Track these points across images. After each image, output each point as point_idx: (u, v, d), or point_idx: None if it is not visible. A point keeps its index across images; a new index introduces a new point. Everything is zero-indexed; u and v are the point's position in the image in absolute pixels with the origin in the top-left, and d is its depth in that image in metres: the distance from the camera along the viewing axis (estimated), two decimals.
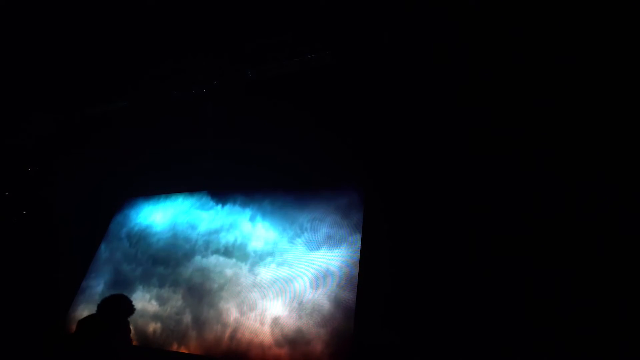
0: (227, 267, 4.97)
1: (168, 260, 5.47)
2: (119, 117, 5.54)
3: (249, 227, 5.32)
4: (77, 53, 4.61)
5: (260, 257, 4.88)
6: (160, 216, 6.14)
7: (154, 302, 5.18)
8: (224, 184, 5.98)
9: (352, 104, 4.62)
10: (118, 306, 2.55)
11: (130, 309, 2.60)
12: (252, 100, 4.93)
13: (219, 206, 5.82)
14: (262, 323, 4.47)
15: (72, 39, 4.42)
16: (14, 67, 4.87)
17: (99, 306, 2.57)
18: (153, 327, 4.93)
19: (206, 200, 6.00)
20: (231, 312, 4.61)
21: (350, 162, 4.92)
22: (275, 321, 4.43)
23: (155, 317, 5.02)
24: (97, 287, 5.90)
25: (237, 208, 5.53)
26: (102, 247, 6.36)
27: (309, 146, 5.02)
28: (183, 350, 4.59)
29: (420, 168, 4.43)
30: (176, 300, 5.03)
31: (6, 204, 6.34)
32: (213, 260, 5.13)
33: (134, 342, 4.85)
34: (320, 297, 4.35)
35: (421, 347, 3.60)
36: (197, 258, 5.28)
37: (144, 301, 5.25)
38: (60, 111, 5.61)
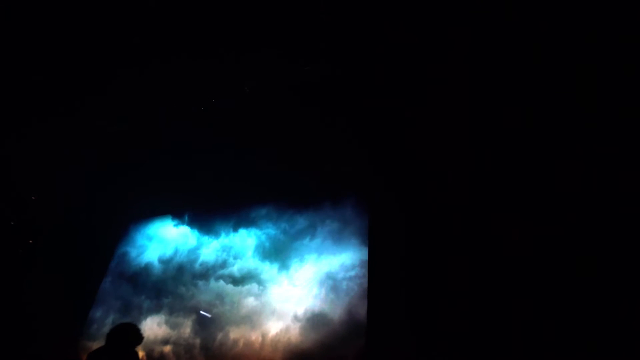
0: (235, 293, 5.22)
1: (175, 289, 5.71)
2: (117, 139, 5.57)
3: (253, 253, 5.52)
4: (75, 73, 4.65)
5: (266, 280, 5.13)
6: (163, 246, 6.37)
7: (164, 328, 5.42)
8: (226, 204, 6.02)
9: (348, 113, 4.61)
10: (126, 336, 2.51)
11: (138, 337, 2.56)
12: (249, 115, 4.94)
13: (224, 234, 5.99)
14: (267, 341, 4.67)
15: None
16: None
17: (108, 337, 2.53)
18: (165, 350, 5.18)
19: (208, 228, 6.18)
20: (239, 334, 4.87)
21: (353, 172, 4.93)
22: (282, 339, 4.42)
23: (166, 341, 5.27)
24: (107, 319, 5.90)
25: (242, 235, 5.77)
26: (108, 278, 6.39)
27: (310, 159, 5.04)
28: None
29: (423, 173, 4.41)
30: (186, 326, 5.28)
31: (11, 233, 6.30)
32: (220, 286, 5.36)
33: None
34: (330, 310, 4.34)
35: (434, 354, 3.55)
36: (204, 285, 5.51)
37: (154, 327, 5.48)
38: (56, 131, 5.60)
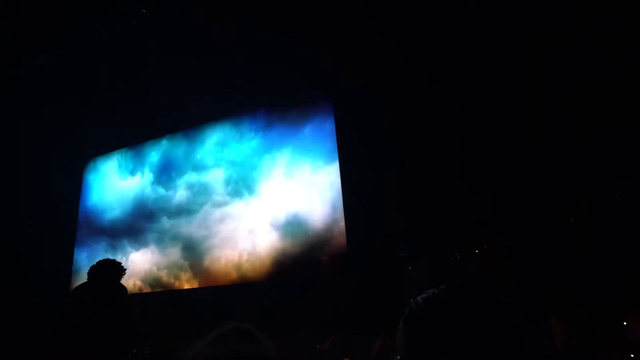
0: (213, 220, 5.57)
1: (156, 226, 5.99)
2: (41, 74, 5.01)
3: (223, 184, 5.67)
4: None
5: (241, 203, 5.44)
6: (132, 197, 6.39)
7: (156, 257, 5.89)
8: (184, 138, 5.84)
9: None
10: (105, 271, 2.50)
11: (119, 271, 2.56)
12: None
13: (189, 174, 6.00)
14: (248, 255, 5.21)
15: None
16: None
17: (88, 273, 2.51)
18: (161, 274, 5.75)
19: (172, 171, 6.20)
20: (222, 253, 5.39)
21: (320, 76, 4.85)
22: (266, 247, 5.14)
23: (160, 268, 5.81)
24: (95, 260, 6.03)
25: (207, 171, 5.84)
26: (82, 232, 6.39)
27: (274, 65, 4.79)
28: (187, 286, 5.51)
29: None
30: (174, 253, 5.75)
31: None
32: (197, 217, 5.69)
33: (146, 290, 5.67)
34: (308, 207, 4.91)
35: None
36: (184, 219, 5.81)
37: (146, 258, 5.94)
38: None
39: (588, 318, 3.27)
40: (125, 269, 2.67)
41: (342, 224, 4.59)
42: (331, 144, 4.93)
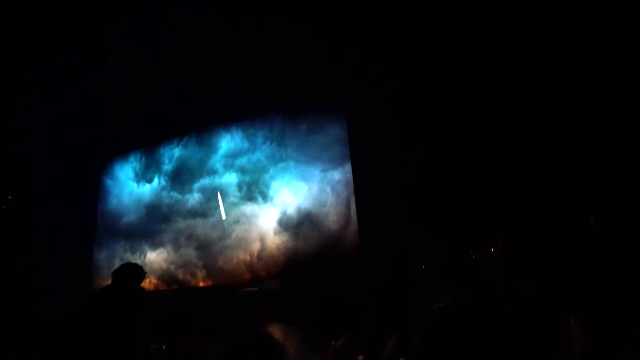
0: (227, 223, 5.71)
1: (172, 228, 6.12)
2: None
3: (235, 189, 5.76)
4: None
5: (253, 206, 5.55)
6: (147, 203, 6.54)
7: (172, 256, 6.02)
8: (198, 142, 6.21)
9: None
10: (128, 274, 2.68)
11: (141, 274, 2.75)
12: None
13: (202, 179, 6.08)
14: (263, 254, 5.29)
15: None
16: None
17: (112, 276, 2.69)
18: (177, 273, 5.87)
19: (185, 176, 6.28)
20: (234, 254, 5.48)
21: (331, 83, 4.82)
22: (279, 247, 5.19)
23: (176, 267, 5.94)
24: (114, 259, 6.22)
25: (220, 176, 5.93)
26: (100, 232, 6.73)
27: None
28: (202, 284, 5.65)
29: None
30: (190, 253, 5.87)
31: None
32: (211, 221, 5.82)
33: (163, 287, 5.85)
34: (320, 208, 5.00)
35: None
36: (199, 221, 5.91)
37: (162, 257, 6.08)
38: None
39: (611, 328, 3.15)
40: (145, 273, 2.81)
41: (355, 226, 4.62)
42: (343, 148, 5.00)
